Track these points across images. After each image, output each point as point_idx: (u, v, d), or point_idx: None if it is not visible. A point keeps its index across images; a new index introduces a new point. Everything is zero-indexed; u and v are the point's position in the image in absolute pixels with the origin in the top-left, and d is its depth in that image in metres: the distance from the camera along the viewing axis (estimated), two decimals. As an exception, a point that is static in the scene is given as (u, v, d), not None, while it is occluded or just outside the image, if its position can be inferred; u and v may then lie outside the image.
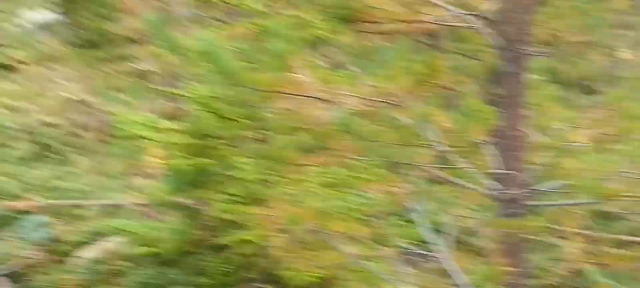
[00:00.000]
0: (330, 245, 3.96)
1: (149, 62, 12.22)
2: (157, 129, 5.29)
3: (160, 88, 10.50)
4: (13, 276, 6.66)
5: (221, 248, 5.88)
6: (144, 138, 5.47)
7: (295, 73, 4.06)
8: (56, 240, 7.04)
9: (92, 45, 13.22)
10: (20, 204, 7.52)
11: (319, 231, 3.87)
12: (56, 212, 7.57)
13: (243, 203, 5.49)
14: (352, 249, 3.98)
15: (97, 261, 6.55)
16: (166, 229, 5.78)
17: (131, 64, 12.48)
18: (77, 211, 7.67)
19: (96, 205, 7.76)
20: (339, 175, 4.02)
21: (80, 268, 6.64)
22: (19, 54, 11.60)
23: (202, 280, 5.96)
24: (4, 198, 7.52)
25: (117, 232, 6.17)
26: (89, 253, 6.83)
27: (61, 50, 12.54)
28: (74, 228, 7.20)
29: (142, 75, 12.30)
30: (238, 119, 5.65)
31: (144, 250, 5.72)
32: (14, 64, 12.02)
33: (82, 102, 11.07)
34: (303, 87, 3.90)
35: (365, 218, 3.97)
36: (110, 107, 10.83)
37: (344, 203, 3.90)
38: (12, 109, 10.59)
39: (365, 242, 3.97)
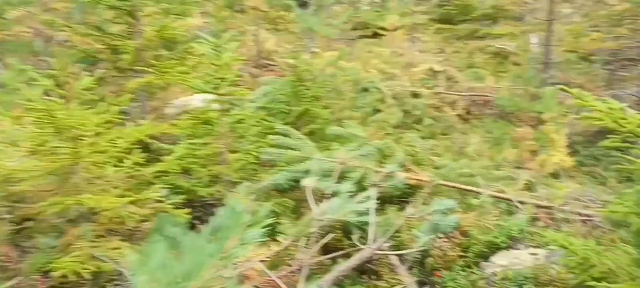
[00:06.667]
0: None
1: (505, 41, 12.60)
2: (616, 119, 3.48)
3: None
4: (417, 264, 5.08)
5: None
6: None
7: None
8: (461, 233, 5.45)
9: (448, 20, 13.89)
10: (413, 177, 6.31)
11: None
12: (447, 195, 6.09)
13: None
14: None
15: (510, 273, 4.72)
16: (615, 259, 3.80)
17: (488, 42, 12.83)
18: (470, 199, 6.20)
19: (488, 194, 6.26)
20: None
21: (493, 277, 4.82)
22: (389, 20, 12.12)
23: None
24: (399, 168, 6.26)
25: (547, 242, 4.23)
26: (502, 260, 5.04)
27: (422, 20, 13.27)
28: (476, 221, 5.66)
29: (499, 54, 12.65)
30: None
31: (582, 276, 3.82)
32: (382, 30, 12.92)
33: (445, 74, 11.21)
34: None
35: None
36: (472, 84, 10.88)
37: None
38: (382, 72, 10.68)
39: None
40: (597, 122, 3.48)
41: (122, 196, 4.32)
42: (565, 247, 3.87)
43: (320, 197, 5.04)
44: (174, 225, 4.72)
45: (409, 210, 5.12)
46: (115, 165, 4.93)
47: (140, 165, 5.08)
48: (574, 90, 3.69)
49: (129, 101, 4.75)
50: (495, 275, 4.76)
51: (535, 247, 5.15)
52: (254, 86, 10.14)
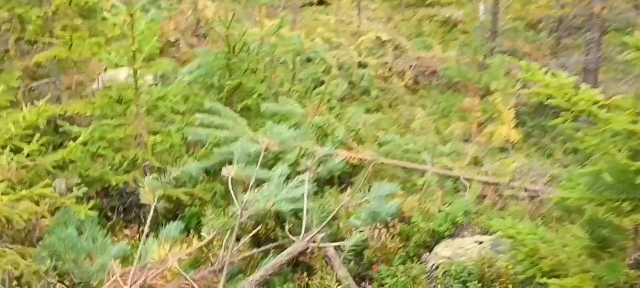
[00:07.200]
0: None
1: (454, 9, 12.55)
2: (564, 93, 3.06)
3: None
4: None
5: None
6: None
7: None
8: (402, 219, 4.97)
9: (397, -12, 13.50)
10: (354, 155, 5.82)
11: None
12: (391, 174, 5.86)
13: None
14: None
15: (454, 267, 4.27)
16: (565, 247, 3.46)
17: (437, 10, 12.64)
18: (415, 177, 5.95)
19: (433, 172, 5.95)
20: None
21: (434, 272, 4.39)
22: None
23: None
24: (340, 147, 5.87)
25: (493, 229, 3.99)
26: (445, 250, 4.59)
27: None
28: (420, 205, 5.24)
29: (447, 22, 12.52)
30: None
31: (531, 271, 3.47)
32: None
33: (392, 44, 10.95)
34: None
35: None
36: (420, 53, 10.66)
37: None
38: (328, 41, 10.38)
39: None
40: (548, 101, 3.08)
41: (5, 193, 3.64)
42: (513, 237, 3.48)
43: (252, 183, 4.48)
44: (75, 222, 4.12)
45: (347, 197, 4.59)
46: (8, 155, 4.21)
47: (41, 153, 4.39)
48: (523, 63, 3.27)
49: (17, 79, 4.02)
50: (437, 268, 4.33)
51: (481, 234, 4.73)
52: (191, 58, 9.41)
